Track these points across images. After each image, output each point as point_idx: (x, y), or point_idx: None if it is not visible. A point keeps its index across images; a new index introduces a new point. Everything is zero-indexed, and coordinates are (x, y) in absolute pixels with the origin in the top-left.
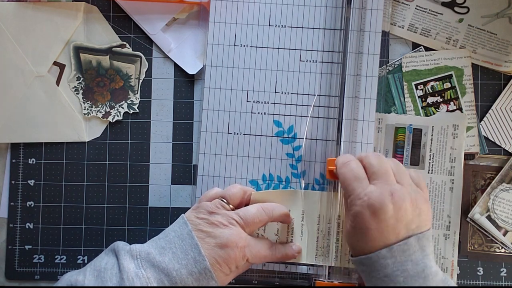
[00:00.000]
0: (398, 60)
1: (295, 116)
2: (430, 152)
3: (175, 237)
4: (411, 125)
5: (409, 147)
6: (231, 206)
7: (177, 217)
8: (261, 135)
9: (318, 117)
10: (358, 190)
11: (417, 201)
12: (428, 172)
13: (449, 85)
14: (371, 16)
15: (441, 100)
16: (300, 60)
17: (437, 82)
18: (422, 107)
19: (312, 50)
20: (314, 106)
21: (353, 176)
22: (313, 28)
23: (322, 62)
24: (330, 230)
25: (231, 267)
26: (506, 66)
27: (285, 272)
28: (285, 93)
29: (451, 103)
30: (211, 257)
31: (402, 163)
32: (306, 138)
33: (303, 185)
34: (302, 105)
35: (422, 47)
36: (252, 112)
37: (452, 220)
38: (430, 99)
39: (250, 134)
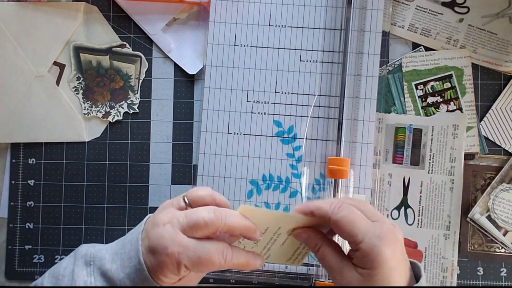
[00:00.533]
0: (398, 60)
1: (295, 116)
2: (430, 152)
3: (129, 240)
4: (411, 125)
5: (409, 147)
6: (189, 208)
7: None
8: (261, 135)
9: (318, 117)
10: (364, 226)
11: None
12: (428, 172)
13: (449, 85)
14: (371, 16)
15: (441, 100)
16: (300, 60)
17: (437, 82)
18: (422, 107)
19: (312, 50)
20: (314, 106)
21: (358, 214)
22: (313, 28)
23: (322, 62)
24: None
25: (167, 275)
26: (507, 66)
27: (285, 272)
28: (285, 93)
29: (451, 103)
30: (147, 262)
31: (402, 163)
32: (306, 138)
33: (303, 186)
34: (302, 105)
35: (422, 47)
36: (252, 112)
37: (452, 220)
38: (430, 99)
39: (250, 134)
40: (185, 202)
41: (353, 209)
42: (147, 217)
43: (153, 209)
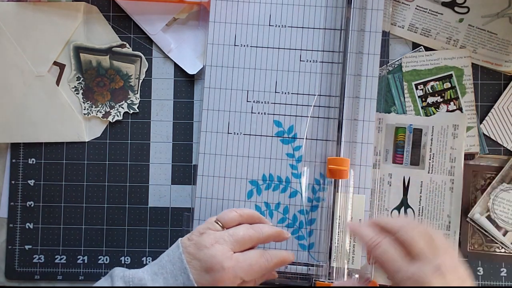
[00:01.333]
0: (398, 60)
1: (295, 116)
2: (430, 152)
3: (167, 261)
4: (411, 125)
5: (409, 147)
6: (224, 228)
7: (177, 217)
8: (261, 135)
9: (318, 117)
10: (397, 268)
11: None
12: (428, 172)
13: (449, 85)
14: (371, 16)
15: (441, 100)
16: (300, 60)
17: (437, 82)
18: (422, 107)
19: (312, 50)
20: (314, 106)
21: (391, 255)
22: (313, 28)
23: (323, 62)
24: (333, 231)
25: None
26: (507, 66)
27: (285, 272)
28: (285, 93)
29: (451, 103)
30: (199, 280)
31: (402, 163)
32: (306, 138)
33: (303, 186)
34: (302, 105)
35: (422, 47)
36: (252, 112)
37: (452, 220)
38: (430, 99)
39: (250, 134)
40: (219, 225)
41: (387, 249)
42: (179, 241)
43: (153, 209)
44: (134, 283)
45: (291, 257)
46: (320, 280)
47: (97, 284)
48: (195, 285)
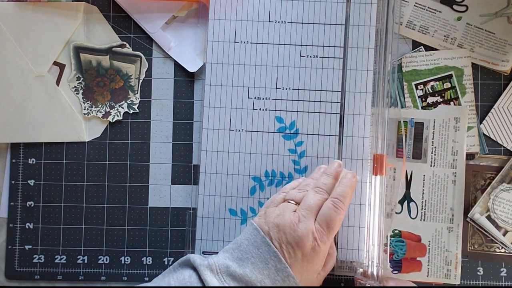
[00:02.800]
0: (398, 60)
1: (297, 111)
2: (432, 145)
3: (249, 245)
4: (412, 118)
5: (411, 141)
6: (298, 205)
7: (177, 217)
8: (262, 132)
9: (319, 112)
10: None
11: None
12: (431, 166)
13: (449, 85)
14: (371, 10)
15: (441, 100)
16: (300, 56)
17: (437, 82)
18: (422, 107)
19: (312, 45)
20: (315, 101)
21: None
22: (313, 23)
23: (323, 57)
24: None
25: (317, 263)
26: (503, 65)
27: None
28: (286, 89)
29: (451, 103)
30: (291, 262)
31: (404, 157)
32: (308, 134)
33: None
34: (303, 100)
35: (422, 47)
36: (253, 109)
37: (455, 213)
38: (430, 99)
39: (252, 131)
40: (293, 203)
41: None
42: (254, 223)
43: (153, 209)
44: (222, 271)
45: (355, 182)
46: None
47: (177, 274)
48: (288, 267)
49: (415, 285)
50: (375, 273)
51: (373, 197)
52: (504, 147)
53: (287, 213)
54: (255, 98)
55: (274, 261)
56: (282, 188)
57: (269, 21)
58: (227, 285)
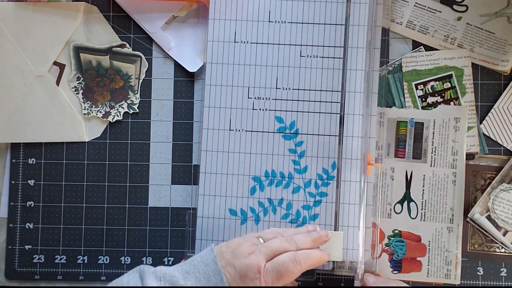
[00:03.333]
0: (398, 60)
1: (297, 111)
2: (432, 145)
3: (200, 262)
4: (412, 118)
5: (411, 141)
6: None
7: (177, 217)
8: (262, 132)
9: (319, 112)
10: None
11: None
12: (431, 166)
13: (449, 85)
14: (371, 10)
15: (441, 100)
16: (300, 56)
17: (437, 82)
18: (422, 107)
19: (312, 45)
20: (315, 101)
21: None
22: (313, 23)
23: (323, 57)
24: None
25: None
26: (503, 65)
27: None
28: (286, 89)
29: (451, 103)
30: (232, 285)
31: (404, 157)
32: (308, 134)
33: (306, 181)
34: (303, 100)
35: (422, 47)
36: (253, 109)
37: (455, 213)
38: (430, 99)
39: (252, 131)
40: (260, 241)
41: None
42: (212, 246)
43: (153, 209)
44: (166, 279)
45: (325, 258)
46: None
47: (125, 279)
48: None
49: (404, 284)
50: (358, 272)
51: (359, 197)
52: (504, 147)
53: (247, 243)
54: (255, 98)
55: (216, 279)
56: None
57: (269, 21)
58: (162, 285)
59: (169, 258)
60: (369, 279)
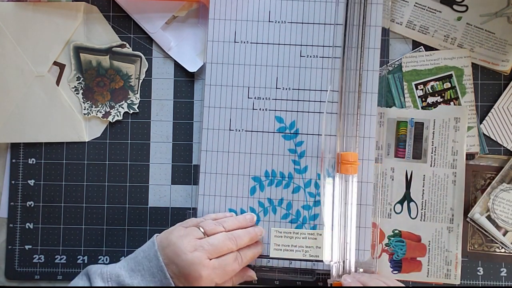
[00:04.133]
0: (398, 60)
1: (297, 111)
2: (432, 145)
3: (143, 257)
4: (412, 118)
5: (411, 141)
6: (206, 236)
7: (177, 217)
8: (263, 132)
9: (319, 112)
10: None
11: None
12: (431, 166)
13: (449, 85)
14: (371, 10)
15: (441, 100)
16: (300, 56)
17: (437, 82)
18: (422, 107)
19: (312, 45)
20: (315, 101)
21: None
22: (313, 23)
23: (323, 57)
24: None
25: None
26: (503, 65)
27: (289, 268)
28: (286, 89)
29: (451, 103)
30: (176, 282)
31: (404, 157)
32: (308, 134)
33: (306, 181)
34: (303, 100)
35: (422, 47)
36: (253, 109)
37: (455, 213)
38: (430, 99)
39: (252, 131)
40: (201, 231)
41: None
42: (154, 237)
43: (153, 209)
44: (112, 280)
45: (259, 251)
46: (337, 280)
47: (73, 283)
48: (173, 284)
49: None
50: (333, 271)
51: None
52: (504, 147)
53: (189, 237)
54: (255, 98)
55: (160, 276)
56: (205, 215)
57: (269, 21)
58: (110, 286)
59: None
60: (347, 279)
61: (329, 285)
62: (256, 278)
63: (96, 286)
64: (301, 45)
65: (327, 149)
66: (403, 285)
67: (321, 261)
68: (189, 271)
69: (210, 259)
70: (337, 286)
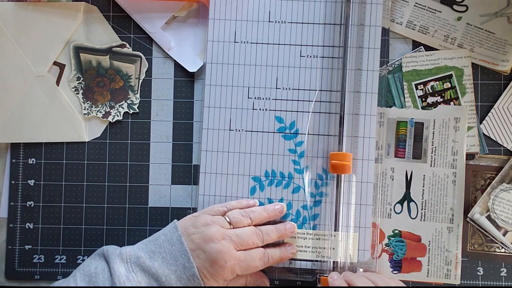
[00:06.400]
0: (398, 60)
1: (297, 111)
2: (432, 145)
3: (165, 241)
4: (412, 118)
5: (411, 141)
6: (231, 226)
7: (177, 217)
8: (262, 132)
9: (319, 112)
10: None
11: None
12: (431, 166)
13: (449, 85)
14: (371, 10)
15: (441, 100)
16: (300, 56)
17: (437, 82)
18: (422, 107)
19: (312, 45)
20: (315, 101)
21: None
22: (313, 23)
23: (323, 57)
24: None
25: (219, 281)
26: (503, 65)
27: (289, 268)
28: (286, 89)
29: (451, 103)
30: (200, 267)
31: (404, 157)
32: (308, 134)
33: (306, 181)
34: (303, 100)
35: (422, 47)
36: (253, 109)
37: (455, 213)
38: (430, 99)
39: (252, 131)
40: (227, 221)
41: None
42: (176, 222)
43: (153, 209)
44: (132, 261)
45: (290, 256)
46: (325, 275)
47: (87, 263)
48: (195, 267)
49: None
50: (323, 266)
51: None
52: (504, 147)
53: (216, 226)
54: (255, 98)
55: (183, 259)
56: (227, 202)
57: (269, 21)
58: (134, 275)
59: None
60: (333, 276)
61: (317, 278)
62: (269, 286)
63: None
64: (301, 45)
65: (325, 149)
66: (393, 285)
67: (321, 261)
68: (216, 258)
69: (238, 250)
70: (324, 286)
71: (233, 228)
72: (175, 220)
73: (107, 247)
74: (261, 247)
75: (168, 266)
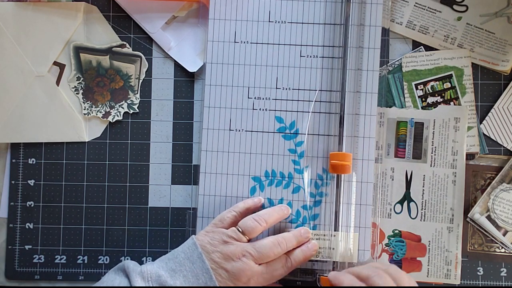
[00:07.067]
0: (398, 60)
1: (297, 111)
2: (432, 145)
3: (185, 259)
4: (412, 118)
5: (411, 141)
6: (246, 237)
7: (177, 217)
8: (263, 132)
9: (319, 112)
10: None
11: None
12: (431, 166)
13: (449, 85)
14: (371, 10)
15: (441, 100)
16: (300, 56)
17: (437, 82)
18: (422, 107)
19: (312, 45)
20: (315, 101)
21: None
22: (313, 23)
23: (323, 57)
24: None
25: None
26: (503, 65)
27: None
28: (286, 89)
29: (451, 103)
30: (222, 285)
31: (405, 157)
32: (308, 134)
33: (306, 181)
34: (303, 100)
35: (422, 47)
36: (253, 109)
37: (455, 213)
38: (430, 99)
39: (252, 131)
40: (240, 232)
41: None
42: (194, 239)
43: (153, 209)
44: (153, 279)
45: (313, 253)
46: (324, 275)
47: (110, 278)
48: (217, 286)
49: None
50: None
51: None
52: (504, 147)
53: (234, 243)
54: (255, 98)
55: (205, 278)
56: (234, 206)
57: (269, 21)
58: (151, 285)
59: None
60: (331, 274)
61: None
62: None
63: (138, 286)
64: (301, 45)
65: (325, 149)
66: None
67: (321, 261)
68: (239, 276)
69: (259, 264)
70: (324, 286)
71: (248, 237)
72: (193, 236)
73: (127, 263)
74: None
75: (189, 284)
